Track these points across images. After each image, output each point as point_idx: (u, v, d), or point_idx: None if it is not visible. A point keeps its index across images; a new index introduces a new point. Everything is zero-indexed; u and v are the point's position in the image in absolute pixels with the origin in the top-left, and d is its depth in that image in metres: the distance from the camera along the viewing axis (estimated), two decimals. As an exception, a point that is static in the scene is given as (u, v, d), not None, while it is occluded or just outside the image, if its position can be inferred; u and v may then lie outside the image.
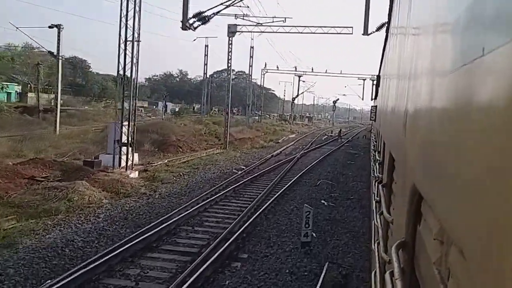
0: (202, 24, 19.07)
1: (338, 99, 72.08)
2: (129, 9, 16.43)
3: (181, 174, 18.75)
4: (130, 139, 17.15)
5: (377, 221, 4.00)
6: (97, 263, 8.43)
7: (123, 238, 10.14)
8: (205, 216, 12.82)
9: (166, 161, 21.72)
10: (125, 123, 20.63)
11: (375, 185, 5.31)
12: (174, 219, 11.78)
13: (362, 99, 63.16)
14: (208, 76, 73.81)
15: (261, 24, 26.82)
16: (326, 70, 60.62)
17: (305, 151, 33.42)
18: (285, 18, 27.06)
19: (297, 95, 66.49)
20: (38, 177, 15.30)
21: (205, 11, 18.40)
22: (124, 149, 17.65)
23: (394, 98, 4.12)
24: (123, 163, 17.66)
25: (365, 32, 20.19)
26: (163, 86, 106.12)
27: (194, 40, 59.35)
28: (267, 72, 62.03)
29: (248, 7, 27.01)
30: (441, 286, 1.14)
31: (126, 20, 16.51)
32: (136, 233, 10.39)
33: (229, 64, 31.70)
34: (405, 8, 3.39)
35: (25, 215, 11.27)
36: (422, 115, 1.70)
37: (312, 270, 8.91)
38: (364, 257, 9.60)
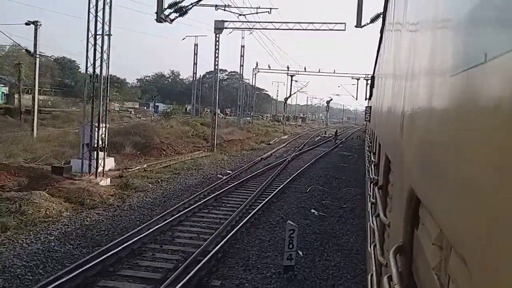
0: (179, 15, 17.53)
1: (331, 99, 70.76)
2: (98, 0, 14.87)
3: (159, 180, 17.18)
4: (101, 142, 15.56)
5: (373, 223, 3.95)
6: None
7: (75, 261, 8.58)
8: (178, 231, 11.28)
9: (145, 165, 20.14)
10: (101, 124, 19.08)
11: (370, 186, 5.28)
12: (141, 235, 10.24)
13: (356, 99, 61.84)
14: (200, 75, 72.33)
15: (244, 14, 25.22)
16: (319, 70, 59.24)
17: (297, 153, 31.97)
18: (270, 9, 25.50)
19: (290, 95, 65.06)
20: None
21: (182, 1, 16.89)
22: (99, 154, 16.07)
23: (390, 99, 4.05)
24: (94, 169, 16.08)
25: (358, 24, 18.76)
26: (154, 87, 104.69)
27: (183, 39, 57.87)
28: (258, 71, 60.54)
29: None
30: None
31: (96, 12, 14.94)
32: (92, 255, 8.84)
33: (216, 63, 30.17)
34: (401, 3, 3.25)
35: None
36: (420, 116, 1.66)
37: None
38: (358, 283, 8.11)
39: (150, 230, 10.80)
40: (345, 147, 39.72)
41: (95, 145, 15.29)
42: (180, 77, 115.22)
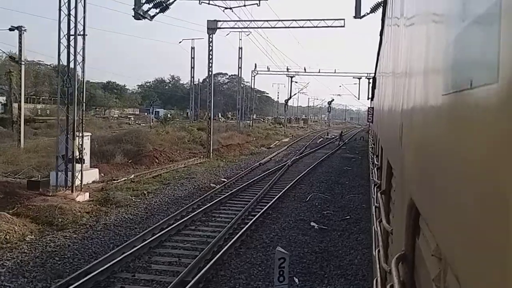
0: (160, 11, 16.13)
1: (333, 99, 69.16)
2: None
3: (145, 192, 15.75)
4: (79, 154, 14.14)
5: (377, 228, 3.85)
6: None
7: (26, 300, 7.17)
8: (157, 254, 9.83)
9: (132, 176, 18.72)
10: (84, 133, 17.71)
11: (374, 189, 5.12)
12: (112, 262, 8.81)
13: (358, 98, 60.31)
14: (198, 79, 71.16)
15: (231, 8, 23.73)
16: (320, 70, 57.72)
17: (298, 156, 30.50)
18: (259, 1, 23.96)
19: (290, 97, 63.53)
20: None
21: (161, -6, 15.45)
22: (77, 166, 14.67)
23: (389, 102, 3.95)
24: (77, 182, 14.69)
25: (357, 15, 17.30)
26: (155, 92, 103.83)
27: (180, 42, 56.54)
28: (257, 73, 59.12)
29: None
30: None
31: (69, 10, 13.54)
32: (48, 290, 7.42)
33: (210, 65, 28.76)
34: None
35: None
36: (416, 130, 1.68)
37: None
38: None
39: (124, 255, 9.36)
40: (348, 149, 38.20)
41: (75, 156, 13.85)
42: (181, 82, 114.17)
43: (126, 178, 18.14)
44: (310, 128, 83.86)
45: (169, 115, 64.90)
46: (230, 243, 10.41)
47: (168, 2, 15.78)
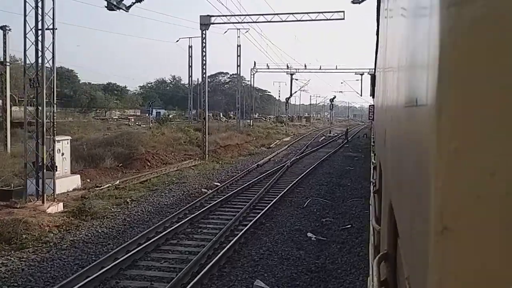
0: (137, 1, 14.77)
1: (335, 96, 67.57)
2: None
3: (128, 201, 14.42)
4: (50, 160, 12.83)
5: (371, 228, 4.01)
6: None
7: None
8: (127, 277, 8.48)
9: (117, 182, 17.40)
10: (62, 137, 16.44)
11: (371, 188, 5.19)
12: (70, 290, 7.48)
13: (361, 95, 58.65)
14: (198, 79, 69.80)
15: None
16: (320, 67, 56.16)
17: (298, 156, 29.11)
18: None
19: (291, 95, 62.04)
20: None
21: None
22: (53, 174, 13.36)
23: (381, 102, 4.00)
24: (52, 191, 13.39)
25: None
26: (156, 93, 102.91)
27: (177, 41, 55.01)
28: (257, 71, 57.68)
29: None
30: None
31: (36, 2, 12.20)
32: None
33: (204, 61, 27.39)
34: None
35: None
36: (392, 133, 1.72)
37: None
38: None
39: (87, 280, 8.04)
40: (351, 147, 36.77)
41: (50, 163, 12.54)
42: (182, 82, 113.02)
43: (110, 185, 16.82)
44: (313, 126, 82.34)
45: (166, 115, 63.61)
46: (214, 260, 9.06)
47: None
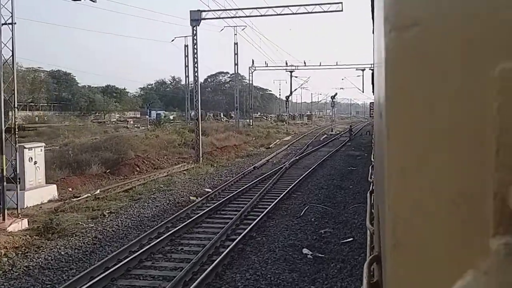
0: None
1: (336, 93, 65.89)
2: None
3: (105, 213, 13.00)
4: (13, 171, 11.42)
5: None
6: None
7: None
8: (83, 314, 7.08)
9: (97, 191, 15.98)
10: (34, 144, 15.06)
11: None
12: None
13: (363, 91, 56.98)
14: (194, 79, 68.38)
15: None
16: (320, 63, 54.58)
17: (298, 157, 27.63)
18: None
19: (291, 93, 60.41)
20: None
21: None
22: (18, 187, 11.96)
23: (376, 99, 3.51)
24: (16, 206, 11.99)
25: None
26: (156, 94, 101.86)
27: (172, 40, 53.55)
28: (255, 69, 56.28)
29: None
30: None
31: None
32: None
33: (195, 60, 25.98)
34: None
35: None
36: (376, 133, 1.72)
37: None
38: None
39: (32, 320, 6.62)
40: (353, 145, 35.28)
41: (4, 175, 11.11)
42: (182, 82, 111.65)
43: (90, 194, 15.40)
44: (315, 124, 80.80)
45: (164, 117, 62.27)
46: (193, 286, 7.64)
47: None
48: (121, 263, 9.01)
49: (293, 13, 25.55)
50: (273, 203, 14.26)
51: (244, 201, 14.97)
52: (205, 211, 13.49)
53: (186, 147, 30.88)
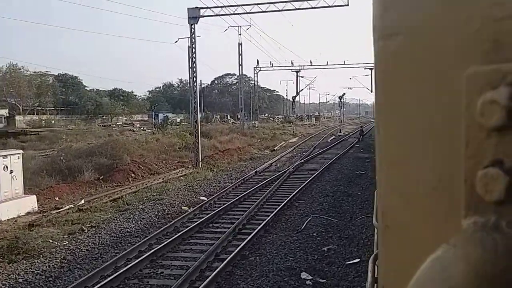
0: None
1: (344, 93, 64.40)
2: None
3: (84, 228, 11.70)
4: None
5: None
6: None
7: None
8: None
9: (82, 201, 14.70)
10: (10, 151, 13.84)
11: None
12: None
13: (371, 91, 55.35)
14: (201, 81, 67.35)
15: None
16: (327, 62, 53.15)
17: (303, 160, 26.20)
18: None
19: (298, 93, 58.92)
20: None
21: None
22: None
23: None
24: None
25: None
26: (164, 97, 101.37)
27: (176, 42, 52.25)
28: (260, 70, 54.91)
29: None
30: None
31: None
32: None
33: (194, 60, 24.76)
34: None
35: None
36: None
37: None
38: None
39: None
40: (362, 147, 33.72)
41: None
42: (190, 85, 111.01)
43: (72, 205, 14.13)
44: (323, 125, 79.18)
45: (168, 119, 61.17)
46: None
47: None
48: (88, 292, 7.70)
49: (296, 9, 24.15)
50: (272, 214, 12.88)
51: (241, 211, 13.59)
52: (196, 223, 12.14)
53: (187, 151, 29.56)
